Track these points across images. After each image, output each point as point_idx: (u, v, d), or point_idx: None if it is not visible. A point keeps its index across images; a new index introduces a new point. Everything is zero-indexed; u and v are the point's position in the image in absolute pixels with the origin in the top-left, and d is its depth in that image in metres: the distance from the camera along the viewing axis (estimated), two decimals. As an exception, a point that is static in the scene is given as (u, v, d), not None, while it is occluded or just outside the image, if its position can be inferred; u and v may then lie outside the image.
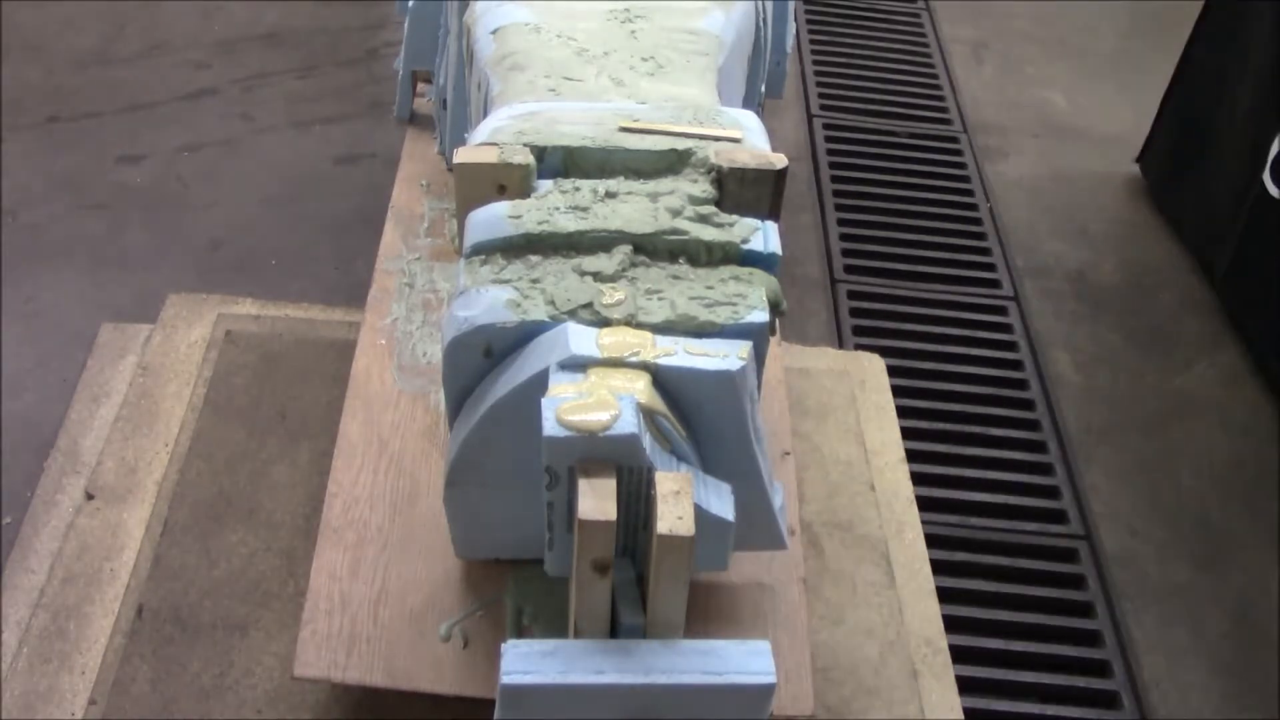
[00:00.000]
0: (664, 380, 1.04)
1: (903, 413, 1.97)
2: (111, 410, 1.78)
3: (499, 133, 1.21)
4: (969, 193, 2.73)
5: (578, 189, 1.17)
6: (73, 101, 2.67)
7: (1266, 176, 2.28)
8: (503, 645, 0.97)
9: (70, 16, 2.91)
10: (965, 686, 1.63)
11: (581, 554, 0.96)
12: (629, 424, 0.97)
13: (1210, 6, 2.60)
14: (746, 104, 1.62)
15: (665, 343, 1.05)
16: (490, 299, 1.08)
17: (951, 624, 1.69)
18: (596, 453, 0.97)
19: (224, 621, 1.50)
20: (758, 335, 1.08)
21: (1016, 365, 2.30)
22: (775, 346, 1.63)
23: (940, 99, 3.02)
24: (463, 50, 1.54)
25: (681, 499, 0.94)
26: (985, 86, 3.10)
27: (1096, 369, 2.33)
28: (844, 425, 1.86)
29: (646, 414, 1.00)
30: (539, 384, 1.02)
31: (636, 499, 1.00)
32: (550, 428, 0.96)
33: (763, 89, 1.79)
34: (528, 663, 0.96)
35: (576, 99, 1.30)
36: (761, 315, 1.08)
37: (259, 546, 1.58)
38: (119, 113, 2.67)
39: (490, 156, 1.16)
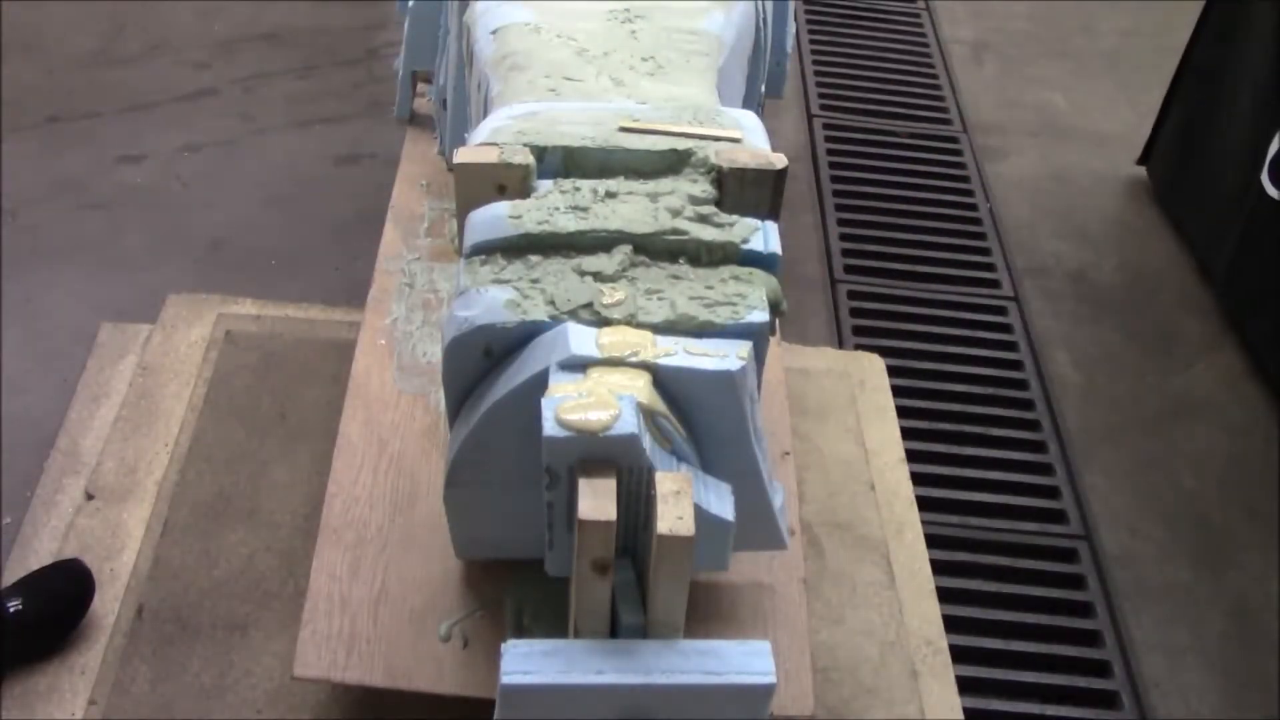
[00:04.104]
0: (664, 380, 1.04)
1: (903, 413, 1.97)
2: (111, 410, 1.78)
3: (499, 133, 1.21)
4: (969, 193, 2.73)
5: (578, 189, 1.17)
6: (73, 101, 2.67)
7: (1264, 177, 2.28)
8: (503, 645, 0.97)
9: (70, 16, 2.91)
10: (965, 686, 1.63)
11: (581, 554, 0.96)
12: (629, 424, 0.97)
13: (1210, 6, 2.60)
14: (746, 104, 1.62)
15: (665, 343, 1.05)
16: (490, 299, 1.08)
17: (951, 624, 1.68)
18: (596, 453, 0.97)
19: (224, 621, 1.49)
20: (758, 335, 1.08)
21: (1016, 365, 2.30)
22: (775, 346, 1.63)
23: (940, 99, 3.02)
24: (463, 50, 1.54)
25: (681, 499, 0.94)
26: (985, 86, 3.10)
27: (1096, 369, 2.33)
28: (844, 425, 1.86)
29: (646, 414, 1.00)
30: (539, 384, 1.02)
31: (636, 499, 1.00)
32: (550, 428, 0.96)
33: (763, 89, 1.79)
34: (528, 663, 0.96)
35: (576, 99, 1.30)
36: (761, 315, 1.08)
37: (259, 546, 1.58)
38: (119, 113, 2.67)
39: (490, 156, 1.16)
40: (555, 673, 0.96)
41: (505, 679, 0.95)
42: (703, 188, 1.18)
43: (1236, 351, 2.39)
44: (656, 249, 1.13)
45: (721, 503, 1.03)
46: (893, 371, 2.03)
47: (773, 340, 1.22)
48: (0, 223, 2.33)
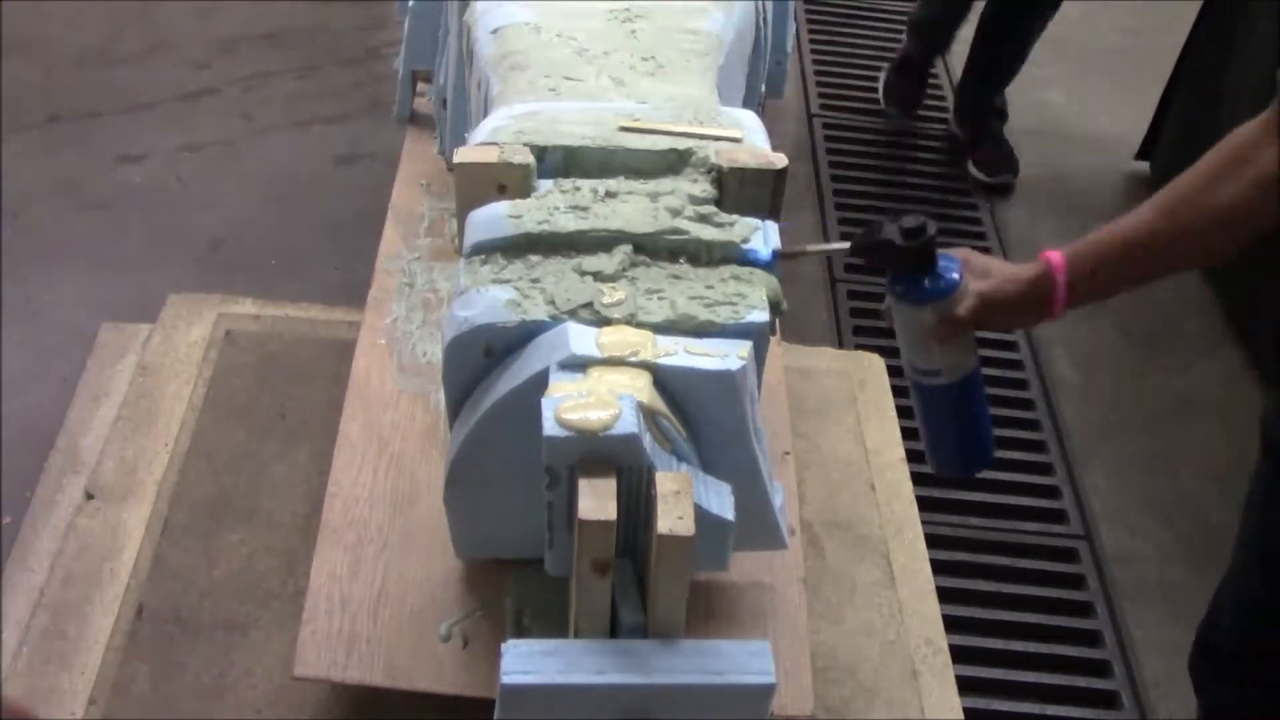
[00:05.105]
0: (664, 380, 1.04)
1: (903, 413, 1.97)
2: (111, 410, 1.78)
3: (499, 132, 1.21)
4: (968, 191, 2.73)
5: (578, 189, 1.17)
6: (73, 101, 2.67)
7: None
8: (503, 645, 0.97)
9: (70, 16, 2.91)
10: (965, 686, 1.63)
11: (581, 554, 0.96)
12: (629, 424, 0.97)
13: (1210, 6, 2.60)
14: (746, 104, 1.62)
15: (665, 342, 1.05)
16: (490, 299, 1.08)
17: (951, 624, 1.68)
18: (596, 452, 0.97)
19: (224, 621, 1.49)
20: (758, 335, 1.08)
21: (1017, 365, 2.30)
22: (775, 346, 1.63)
23: (940, 99, 3.02)
24: (463, 50, 1.54)
25: (681, 499, 0.94)
26: (985, 86, 3.09)
27: (1096, 369, 2.33)
28: (844, 425, 1.86)
29: (647, 414, 1.00)
30: (539, 384, 1.02)
31: (636, 499, 1.00)
32: (550, 427, 0.96)
33: (763, 89, 1.79)
34: (528, 663, 0.96)
35: (576, 99, 1.30)
36: (761, 315, 1.08)
37: (259, 546, 1.58)
38: (119, 113, 2.67)
39: (490, 156, 1.16)
40: (555, 673, 0.96)
41: (505, 679, 0.95)
42: (703, 187, 1.17)
43: (1236, 351, 2.39)
44: (656, 249, 1.13)
45: (721, 503, 1.03)
46: (893, 371, 2.02)
47: (773, 340, 1.22)
48: (0, 223, 2.33)
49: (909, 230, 1.16)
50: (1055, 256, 1.19)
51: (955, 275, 1.20)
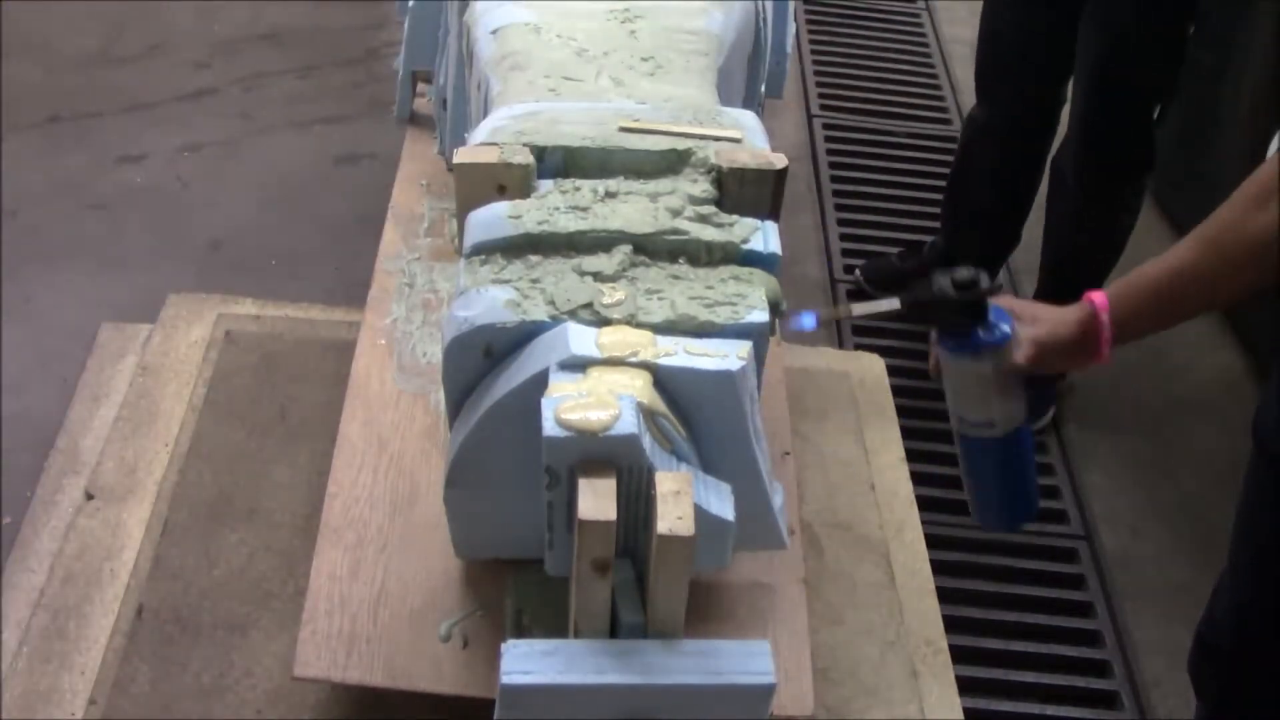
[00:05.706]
0: (664, 380, 1.04)
1: (903, 412, 1.97)
2: (111, 410, 1.78)
3: (499, 133, 1.21)
4: (969, 193, 2.72)
5: (578, 189, 1.17)
6: (73, 101, 2.68)
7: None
8: (503, 645, 0.97)
9: (70, 16, 2.91)
10: (965, 686, 1.63)
11: (581, 554, 0.96)
12: (629, 424, 0.97)
13: (1210, 6, 2.60)
14: (746, 104, 1.62)
15: (665, 342, 1.05)
16: (490, 299, 1.08)
17: (951, 624, 1.69)
18: (596, 453, 0.97)
19: (224, 621, 1.49)
20: (758, 335, 1.08)
21: (1016, 365, 2.30)
22: (775, 346, 1.63)
23: (940, 99, 3.02)
24: (463, 50, 1.54)
25: (681, 499, 0.94)
26: (985, 86, 3.10)
27: (1096, 369, 2.33)
28: (844, 425, 1.86)
29: (646, 414, 1.00)
30: (539, 384, 1.02)
31: (636, 499, 1.00)
32: (550, 428, 0.96)
33: (763, 89, 1.79)
34: (528, 663, 0.96)
35: (576, 99, 1.30)
36: (761, 315, 1.08)
37: (259, 546, 1.58)
38: (119, 113, 2.67)
39: (490, 156, 1.16)
40: (555, 673, 0.96)
41: (505, 679, 0.95)
42: (703, 188, 1.18)
43: (1236, 351, 2.39)
44: (656, 249, 1.13)
45: (721, 503, 1.03)
46: (893, 371, 2.03)
47: (773, 340, 1.22)
48: (0, 223, 2.33)
49: (962, 283, 1.14)
50: (1098, 297, 1.19)
51: (1006, 325, 1.18)
